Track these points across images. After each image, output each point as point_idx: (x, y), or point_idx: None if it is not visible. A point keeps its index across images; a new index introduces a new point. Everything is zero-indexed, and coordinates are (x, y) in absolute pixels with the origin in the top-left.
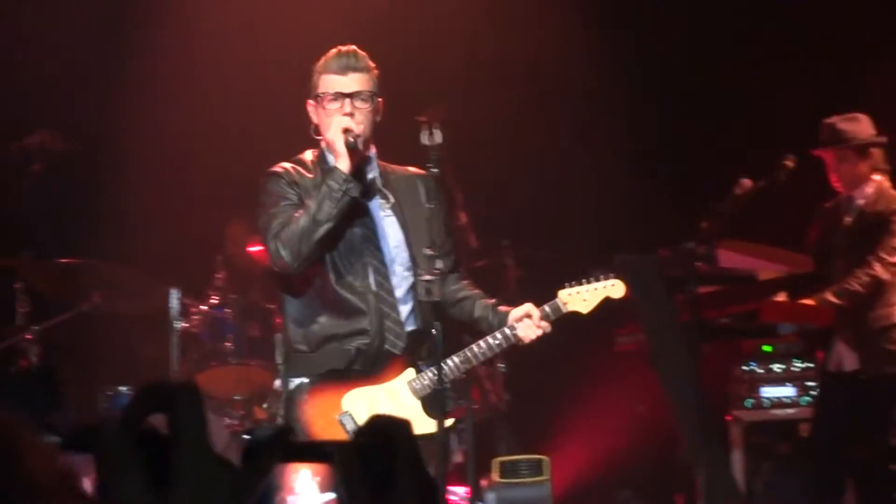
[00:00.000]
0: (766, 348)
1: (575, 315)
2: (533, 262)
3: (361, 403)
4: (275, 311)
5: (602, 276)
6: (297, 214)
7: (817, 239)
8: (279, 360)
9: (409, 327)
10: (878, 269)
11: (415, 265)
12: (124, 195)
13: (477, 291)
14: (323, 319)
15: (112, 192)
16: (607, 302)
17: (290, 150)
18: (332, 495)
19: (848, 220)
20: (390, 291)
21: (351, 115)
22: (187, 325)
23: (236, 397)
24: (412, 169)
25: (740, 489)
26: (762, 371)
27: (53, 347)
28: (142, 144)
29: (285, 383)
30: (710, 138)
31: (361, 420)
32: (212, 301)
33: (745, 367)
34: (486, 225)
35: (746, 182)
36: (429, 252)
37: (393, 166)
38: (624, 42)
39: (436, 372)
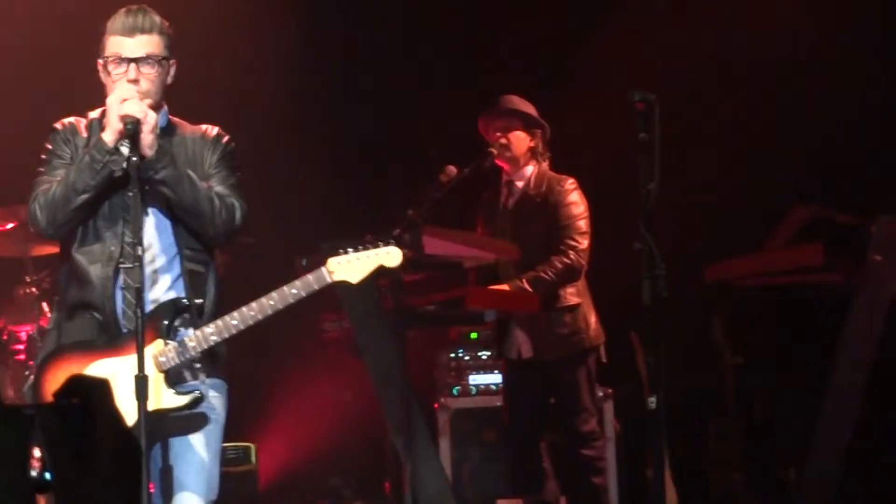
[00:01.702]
0: (473, 335)
1: (343, 285)
2: (237, 248)
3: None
4: None
5: (379, 243)
6: (59, 179)
7: (482, 229)
8: (51, 325)
9: (169, 297)
10: (573, 257)
11: (178, 236)
12: None
13: None
14: (73, 287)
15: None
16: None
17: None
18: None
19: (510, 202)
20: (136, 264)
21: (136, 81)
22: None
23: None
24: (205, 128)
25: (447, 476)
26: (469, 358)
27: None
28: None
29: (43, 350)
30: (416, 125)
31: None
32: None
33: (452, 355)
34: None
35: (451, 169)
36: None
37: (185, 125)
38: (337, 35)
39: (181, 344)
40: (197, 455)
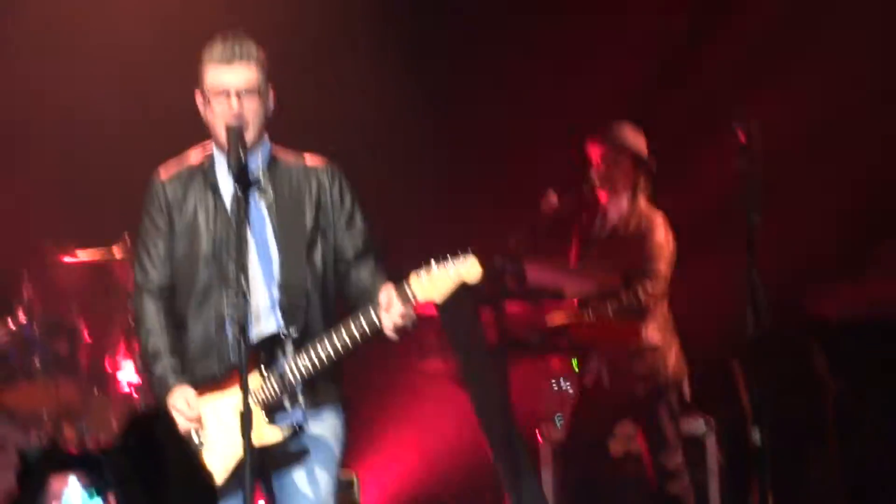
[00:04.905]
0: (575, 364)
1: (430, 303)
2: None
3: (210, 418)
4: (82, 329)
5: (456, 256)
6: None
7: (577, 251)
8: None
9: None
10: (640, 297)
11: (283, 267)
12: None
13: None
14: (186, 336)
15: None
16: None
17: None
18: (99, 501)
19: (602, 234)
20: (239, 298)
21: (239, 115)
22: None
23: (44, 414)
24: (310, 160)
25: None
26: (571, 388)
27: None
28: None
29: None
30: (517, 154)
31: (209, 437)
32: (19, 316)
33: (554, 384)
34: None
35: (553, 197)
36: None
37: (287, 156)
38: (442, 57)
39: (277, 378)
40: (312, 487)
